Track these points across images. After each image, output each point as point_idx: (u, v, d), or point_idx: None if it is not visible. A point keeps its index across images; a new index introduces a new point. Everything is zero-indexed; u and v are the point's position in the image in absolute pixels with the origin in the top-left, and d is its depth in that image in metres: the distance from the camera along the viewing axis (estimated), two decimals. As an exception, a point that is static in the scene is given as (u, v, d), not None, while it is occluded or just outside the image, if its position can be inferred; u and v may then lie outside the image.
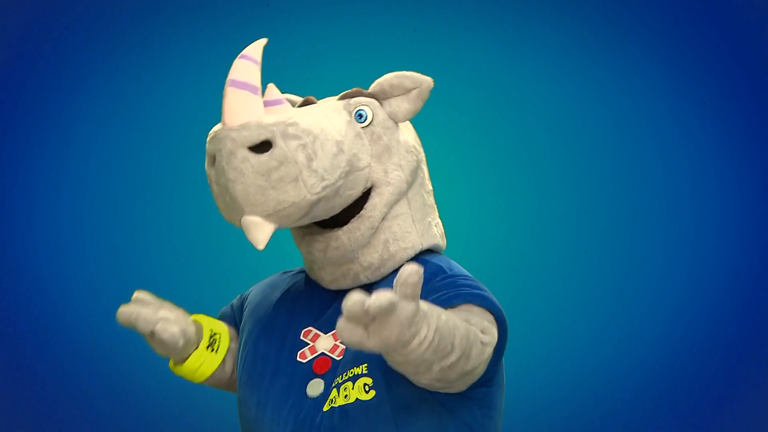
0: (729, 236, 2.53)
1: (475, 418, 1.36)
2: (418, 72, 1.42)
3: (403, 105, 1.42)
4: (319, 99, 1.47)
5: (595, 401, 2.55)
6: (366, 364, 1.32)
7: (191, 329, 1.40)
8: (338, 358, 1.35)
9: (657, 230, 2.57)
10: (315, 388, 1.34)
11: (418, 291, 1.05)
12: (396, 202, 1.40)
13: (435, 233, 1.47)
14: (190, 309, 1.56)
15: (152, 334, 1.34)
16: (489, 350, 1.27)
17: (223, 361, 1.47)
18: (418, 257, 1.43)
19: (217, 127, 1.27)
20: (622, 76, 2.56)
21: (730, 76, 2.52)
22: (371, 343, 1.04)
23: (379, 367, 1.30)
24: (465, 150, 2.59)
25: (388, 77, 1.42)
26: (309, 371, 1.36)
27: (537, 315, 2.52)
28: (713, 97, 2.54)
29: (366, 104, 1.39)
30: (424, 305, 1.12)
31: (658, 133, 2.57)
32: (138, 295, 1.38)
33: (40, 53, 2.61)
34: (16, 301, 2.61)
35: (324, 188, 1.27)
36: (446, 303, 1.29)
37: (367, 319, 1.02)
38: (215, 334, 1.47)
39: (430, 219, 1.47)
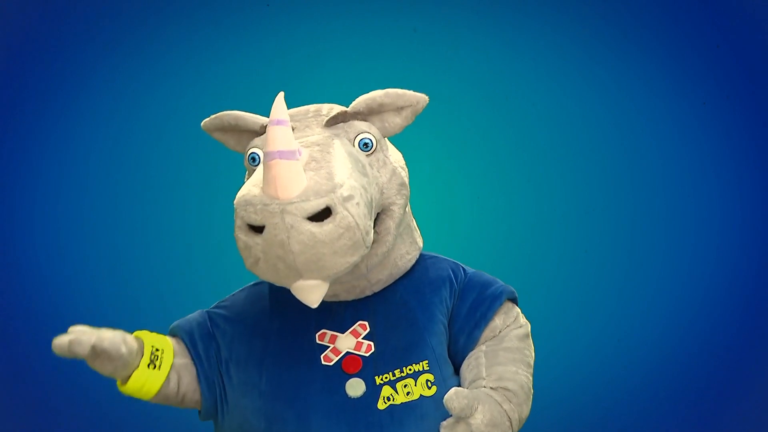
0: (729, 236, 2.53)
1: None
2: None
3: (395, 120, 1.40)
4: (305, 104, 1.45)
5: (595, 401, 2.55)
6: (426, 361, 1.35)
7: (132, 342, 1.35)
8: (367, 354, 1.36)
9: (657, 230, 2.56)
10: (356, 388, 1.33)
11: (469, 399, 1.23)
12: (403, 219, 1.42)
13: (420, 234, 1.51)
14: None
15: (93, 348, 1.28)
16: (528, 331, 1.47)
17: (168, 378, 1.41)
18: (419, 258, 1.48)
19: (254, 195, 1.22)
20: (622, 76, 2.56)
21: (730, 76, 2.52)
22: None
23: (437, 362, 1.34)
24: (465, 150, 2.59)
25: (377, 96, 1.39)
26: (340, 372, 1.35)
27: (537, 315, 2.51)
28: (713, 97, 2.54)
29: (366, 131, 1.37)
30: (500, 389, 1.33)
31: (658, 133, 2.57)
32: (73, 328, 1.33)
33: (40, 53, 2.61)
34: (16, 301, 2.61)
35: (372, 236, 1.27)
36: (498, 300, 1.44)
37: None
38: (157, 350, 1.41)
39: (415, 223, 1.51)
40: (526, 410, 1.35)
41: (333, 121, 1.37)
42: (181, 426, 2.58)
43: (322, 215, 1.20)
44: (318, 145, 1.29)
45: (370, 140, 1.37)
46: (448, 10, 2.58)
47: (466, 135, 2.60)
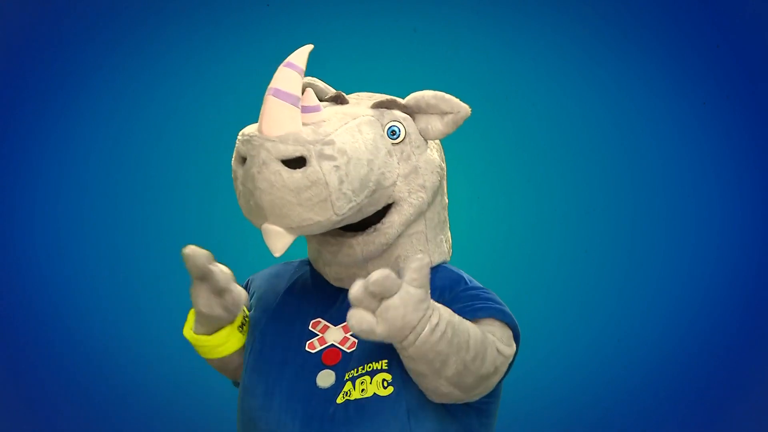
0: (729, 236, 2.53)
1: (473, 425, 1.40)
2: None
3: (436, 125, 1.41)
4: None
5: (595, 401, 2.55)
6: (386, 360, 1.34)
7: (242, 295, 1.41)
8: (349, 351, 1.36)
9: (657, 230, 2.56)
10: (325, 379, 1.35)
11: (426, 281, 1.14)
12: (414, 221, 1.41)
13: (444, 250, 1.49)
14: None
15: (219, 272, 1.35)
16: (504, 360, 1.33)
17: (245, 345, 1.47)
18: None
19: (251, 130, 1.26)
20: (622, 76, 2.56)
21: (730, 76, 2.52)
22: (380, 328, 1.13)
23: (399, 364, 1.31)
24: (465, 150, 2.59)
25: (426, 95, 1.41)
26: (318, 362, 1.36)
27: (537, 315, 2.52)
28: (713, 97, 2.53)
29: (401, 121, 1.38)
30: (439, 306, 1.21)
31: (658, 133, 2.57)
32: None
33: (41, 53, 2.61)
34: (16, 301, 2.61)
35: (350, 209, 1.27)
36: (472, 314, 1.33)
37: (373, 302, 1.11)
38: (246, 316, 1.47)
39: (442, 236, 1.48)
40: (444, 347, 1.20)
41: (378, 105, 1.39)
42: (181, 425, 2.58)
43: (297, 164, 1.22)
44: (345, 113, 1.32)
45: (398, 129, 1.37)
46: (448, 10, 2.58)
47: (466, 135, 2.60)
